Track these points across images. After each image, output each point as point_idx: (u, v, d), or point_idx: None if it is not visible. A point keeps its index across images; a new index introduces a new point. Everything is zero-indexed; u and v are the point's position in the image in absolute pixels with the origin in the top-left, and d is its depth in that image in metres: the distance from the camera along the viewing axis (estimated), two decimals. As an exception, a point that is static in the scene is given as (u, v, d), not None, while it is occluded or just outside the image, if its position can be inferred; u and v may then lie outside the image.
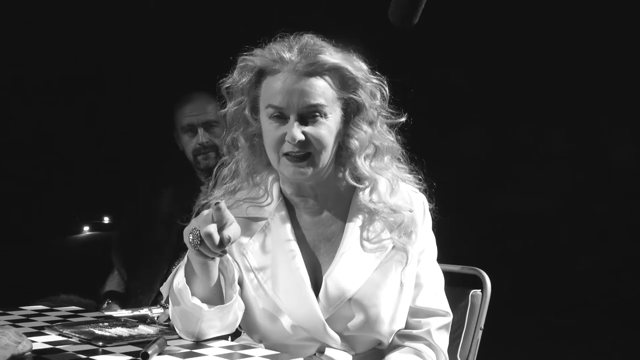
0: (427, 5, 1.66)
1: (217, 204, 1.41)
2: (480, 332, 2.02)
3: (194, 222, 1.45)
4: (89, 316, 1.88)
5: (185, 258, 1.55)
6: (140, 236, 2.75)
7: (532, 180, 5.12)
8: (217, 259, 1.53)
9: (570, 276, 4.93)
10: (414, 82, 1.74)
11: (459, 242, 1.84)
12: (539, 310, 4.78)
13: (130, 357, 1.43)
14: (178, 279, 1.55)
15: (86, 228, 6.21)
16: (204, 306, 1.54)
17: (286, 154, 1.61)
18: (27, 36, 3.68)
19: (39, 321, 1.78)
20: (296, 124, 1.59)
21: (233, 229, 1.43)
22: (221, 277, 1.60)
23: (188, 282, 1.54)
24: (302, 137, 1.58)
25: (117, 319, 1.81)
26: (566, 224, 5.08)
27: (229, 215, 1.44)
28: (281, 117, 1.61)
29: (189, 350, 1.51)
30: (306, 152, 1.60)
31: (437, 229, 1.81)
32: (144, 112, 3.82)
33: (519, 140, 5.25)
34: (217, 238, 1.40)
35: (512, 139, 5.23)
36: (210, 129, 2.73)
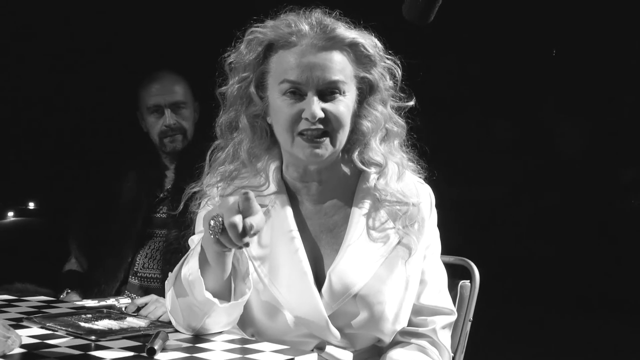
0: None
1: (245, 193, 1.27)
2: (470, 323, 1.99)
3: (216, 209, 1.32)
4: (64, 307, 1.75)
5: (199, 247, 1.42)
6: (101, 222, 2.59)
7: (479, 169, 5.18)
8: (234, 250, 1.41)
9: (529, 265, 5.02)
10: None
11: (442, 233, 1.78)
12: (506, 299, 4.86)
13: (134, 353, 1.31)
14: (190, 269, 1.40)
15: (10, 214, 5.94)
16: (217, 301, 1.41)
17: (301, 133, 1.50)
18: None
19: (12, 312, 1.64)
20: (315, 99, 1.49)
21: (257, 219, 1.29)
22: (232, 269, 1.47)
23: (201, 273, 1.40)
24: (322, 114, 1.49)
25: (100, 310, 1.68)
26: (519, 211, 5.17)
27: (255, 205, 1.29)
28: (297, 93, 1.50)
29: (191, 345, 1.41)
30: (324, 130, 1.50)
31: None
32: (95, 91, 3.64)
33: (464, 131, 5.30)
34: (241, 228, 1.26)
35: (457, 129, 5.27)
36: (178, 110, 2.58)
